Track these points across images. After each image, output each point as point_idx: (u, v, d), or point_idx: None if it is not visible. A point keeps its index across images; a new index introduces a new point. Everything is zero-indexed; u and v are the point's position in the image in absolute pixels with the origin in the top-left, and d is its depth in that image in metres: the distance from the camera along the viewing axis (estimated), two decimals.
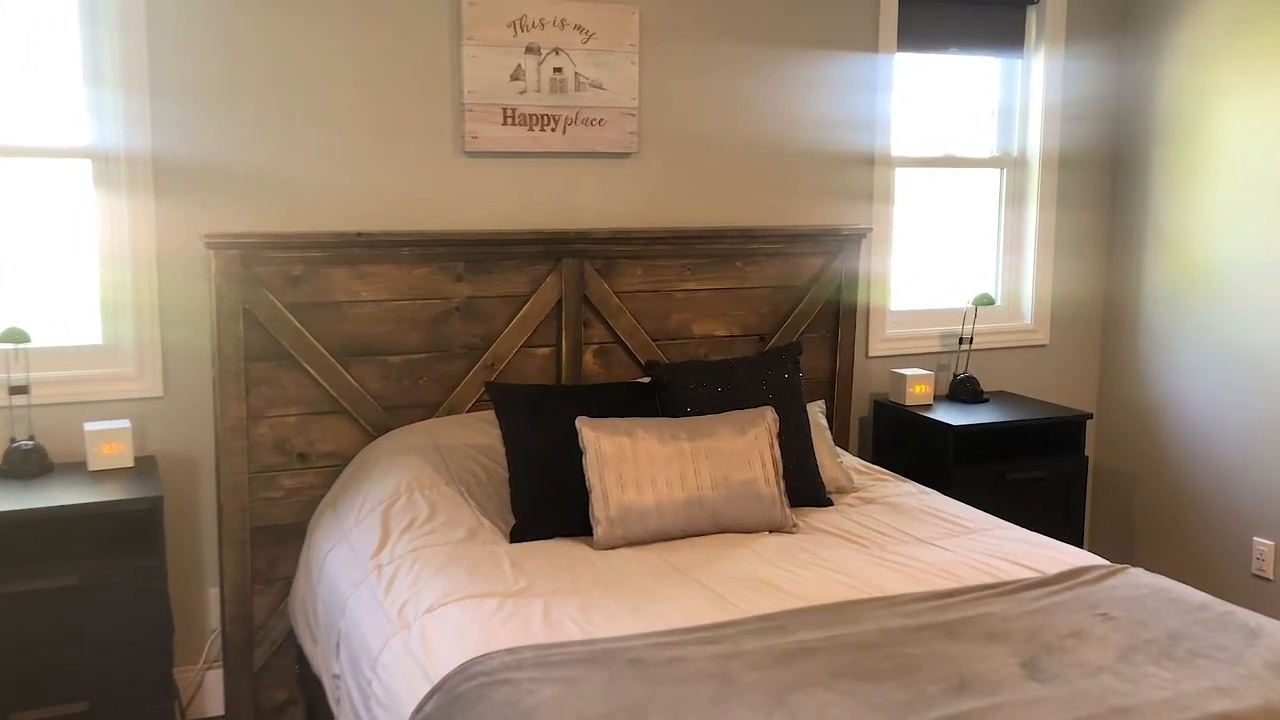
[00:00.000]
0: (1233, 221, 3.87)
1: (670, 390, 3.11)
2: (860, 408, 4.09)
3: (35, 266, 3.13)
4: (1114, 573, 2.50)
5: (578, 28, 3.47)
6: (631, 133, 3.58)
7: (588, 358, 3.52)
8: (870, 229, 3.88)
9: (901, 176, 4.09)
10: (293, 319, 3.15)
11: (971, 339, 4.13)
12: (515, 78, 3.43)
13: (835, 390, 3.87)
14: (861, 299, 3.96)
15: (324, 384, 3.21)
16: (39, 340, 3.03)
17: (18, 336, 2.94)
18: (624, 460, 2.77)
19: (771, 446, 2.91)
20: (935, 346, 4.18)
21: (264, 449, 3.18)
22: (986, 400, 4.06)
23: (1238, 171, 3.84)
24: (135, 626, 2.82)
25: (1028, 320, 4.33)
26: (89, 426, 3.03)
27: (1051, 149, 4.23)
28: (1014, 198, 4.30)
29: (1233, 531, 3.93)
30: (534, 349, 3.45)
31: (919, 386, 3.93)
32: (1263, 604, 3.81)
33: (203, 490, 3.27)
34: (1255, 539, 3.85)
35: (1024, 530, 2.88)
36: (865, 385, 4.07)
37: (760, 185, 3.80)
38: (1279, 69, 3.67)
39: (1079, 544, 3.91)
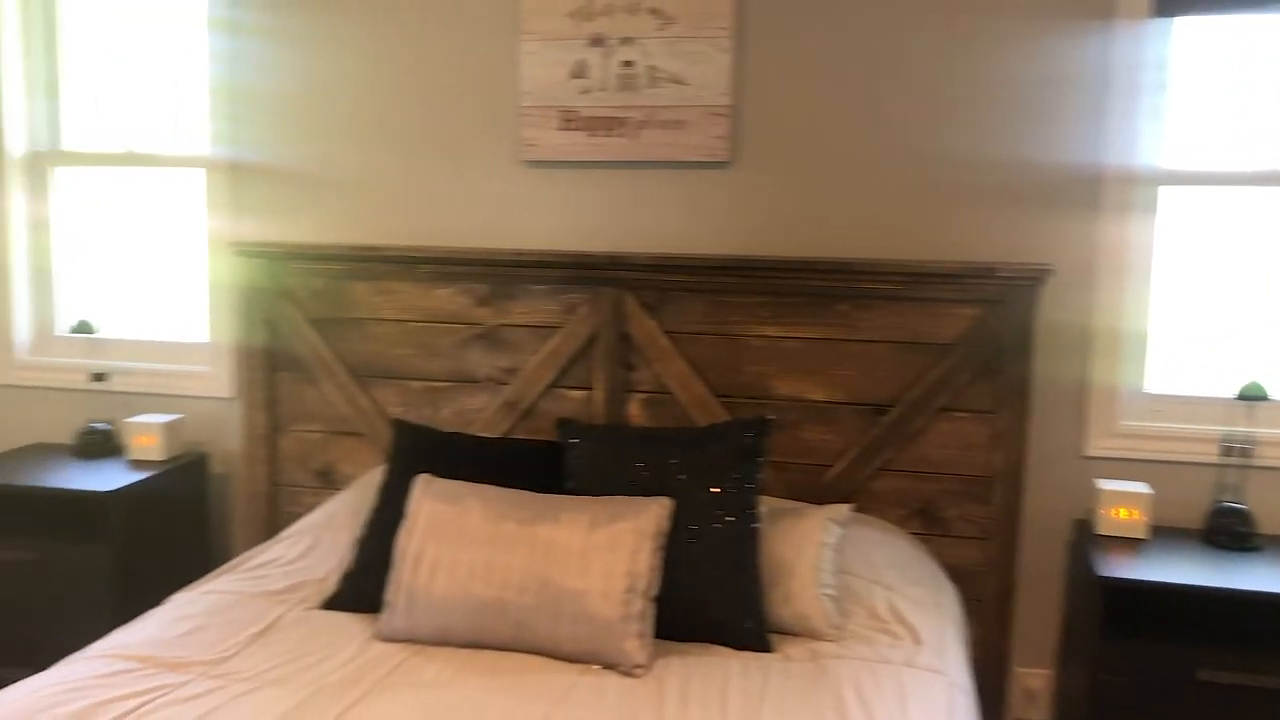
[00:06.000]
0: None
1: (571, 456, 2.44)
2: (1061, 530, 2.82)
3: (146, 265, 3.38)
4: None
5: (653, 11, 2.87)
6: (719, 137, 2.87)
7: (634, 408, 2.90)
8: (1050, 269, 2.64)
9: (1182, 197, 2.75)
10: (313, 334, 3.06)
11: (1249, 448, 2.63)
12: (577, 75, 2.94)
13: (993, 497, 2.73)
14: (1071, 372, 2.76)
15: (343, 403, 3.06)
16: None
17: (85, 329, 3.26)
18: (436, 532, 2.20)
19: (637, 553, 2.11)
20: (1213, 455, 2.73)
21: (289, 463, 3.13)
22: (1257, 548, 2.55)
23: None
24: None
25: None
26: (139, 419, 3.15)
27: None
28: None
29: None
30: (565, 390, 2.93)
31: (1122, 510, 2.60)
32: None
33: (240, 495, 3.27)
34: None
35: None
36: (1078, 499, 2.80)
37: (923, 210, 2.79)
38: None
39: None
